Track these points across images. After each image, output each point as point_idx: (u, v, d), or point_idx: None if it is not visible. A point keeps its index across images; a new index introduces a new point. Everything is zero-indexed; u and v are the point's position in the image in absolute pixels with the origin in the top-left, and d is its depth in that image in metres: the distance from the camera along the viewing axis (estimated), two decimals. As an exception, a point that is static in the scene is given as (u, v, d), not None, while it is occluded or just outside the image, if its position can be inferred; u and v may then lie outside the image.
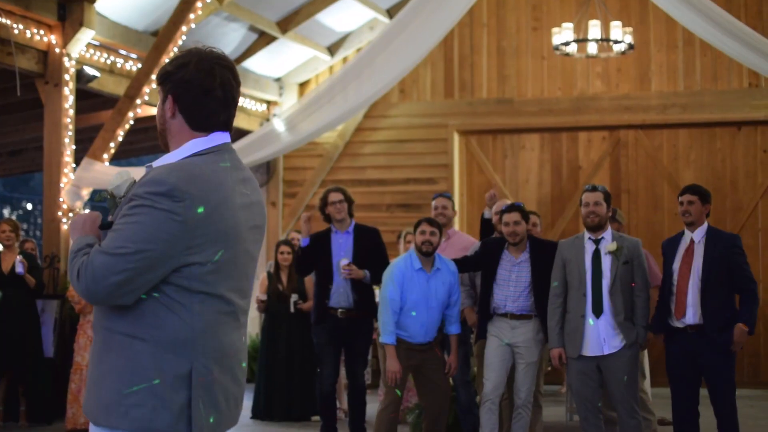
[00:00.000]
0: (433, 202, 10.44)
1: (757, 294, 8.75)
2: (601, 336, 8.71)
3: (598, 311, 8.71)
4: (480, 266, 9.69)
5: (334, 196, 10.28)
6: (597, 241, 8.87)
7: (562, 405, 12.50)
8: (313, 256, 10.24)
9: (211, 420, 3.62)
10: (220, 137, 3.76)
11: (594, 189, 9.02)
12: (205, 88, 3.69)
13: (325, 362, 10.20)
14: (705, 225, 8.82)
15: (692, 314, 8.61)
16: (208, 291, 3.60)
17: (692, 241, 8.75)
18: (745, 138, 15.78)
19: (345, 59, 17.05)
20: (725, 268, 8.64)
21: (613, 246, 8.79)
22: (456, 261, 9.62)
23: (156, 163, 3.68)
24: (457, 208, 15.85)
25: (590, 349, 8.73)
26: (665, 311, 8.77)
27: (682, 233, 8.90)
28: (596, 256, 8.83)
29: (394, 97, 16.83)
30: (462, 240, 10.59)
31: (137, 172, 3.93)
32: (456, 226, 15.04)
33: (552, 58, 15.94)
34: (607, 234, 8.90)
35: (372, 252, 10.20)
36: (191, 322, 3.56)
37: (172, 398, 3.53)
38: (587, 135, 16.39)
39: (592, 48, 13.62)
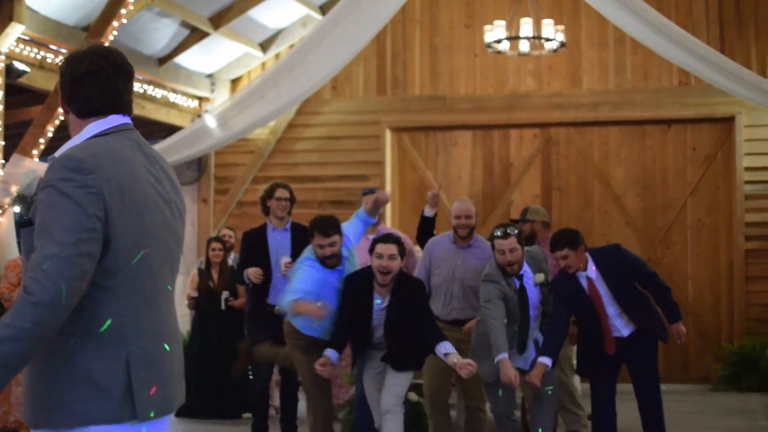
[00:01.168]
0: (363, 198, 10.41)
1: (666, 284, 8.88)
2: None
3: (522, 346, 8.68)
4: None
5: (282, 193, 10.22)
6: (520, 277, 8.58)
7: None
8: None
9: (157, 399, 3.58)
10: (118, 119, 3.79)
11: (507, 235, 8.37)
12: (75, 78, 3.75)
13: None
14: (589, 259, 8.70)
15: (627, 331, 8.69)
16: (133, 269, 3.54)
17: (589, 279, 8.66)
18: (675, 136, 15.93)
19: (277, 55, 16.97)
20: (627, 279, 8.72)
21: (540, 277, 8.64)
22: None
23: (57, 153, 3.67)
24: (388, 204, 15.90)
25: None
26: (597, 348, 8.72)
27: (570, 276, 8.67)
28: (522, 292, 8.55)
29: (326, 94, 16.79)
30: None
31: (44, 169, 3.92)
32: (387, 222, 15.08)
33: (484, 55, 15.97)
34: (525, 267, 8.66)
35: (307, 251, 10.16)
36: (120, 306, 3.51)
37: (112, 386, 3.47)
38: (519, 132, 16.45)
39: (524, 46, 13.68)
